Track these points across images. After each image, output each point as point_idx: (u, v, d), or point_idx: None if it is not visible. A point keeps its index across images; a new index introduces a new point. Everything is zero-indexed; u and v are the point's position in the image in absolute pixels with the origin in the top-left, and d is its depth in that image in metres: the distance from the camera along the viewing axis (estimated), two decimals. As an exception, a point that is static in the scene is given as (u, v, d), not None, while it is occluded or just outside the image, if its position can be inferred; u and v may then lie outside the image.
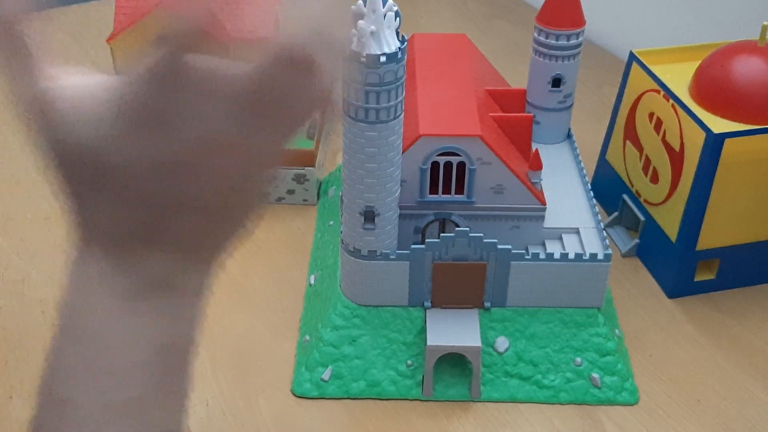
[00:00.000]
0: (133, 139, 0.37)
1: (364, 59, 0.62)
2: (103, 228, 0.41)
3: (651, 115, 0.86)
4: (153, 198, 0.39)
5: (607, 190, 0.94)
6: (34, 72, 0.40)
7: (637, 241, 0.89)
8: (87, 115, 0.39)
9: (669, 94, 0.82)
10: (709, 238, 0.81)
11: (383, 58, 0.62)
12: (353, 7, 0.63)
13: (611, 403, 0.74)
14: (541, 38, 0.84)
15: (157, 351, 0.41)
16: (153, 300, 0.42)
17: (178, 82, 0.38)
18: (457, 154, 0.72)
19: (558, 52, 0.84)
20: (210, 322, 0.82)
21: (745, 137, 0.77)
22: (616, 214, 0.93)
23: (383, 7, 0.62)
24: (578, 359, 0.75)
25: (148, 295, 0.41)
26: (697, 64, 0.84)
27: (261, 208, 0.43)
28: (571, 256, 0.73)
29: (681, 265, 0.83)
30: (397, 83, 0.64)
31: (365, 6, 0.62)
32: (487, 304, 0.75)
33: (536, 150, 0.75)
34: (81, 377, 0.40)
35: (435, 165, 0.73)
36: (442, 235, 0.72)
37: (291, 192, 0.96)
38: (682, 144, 0.81)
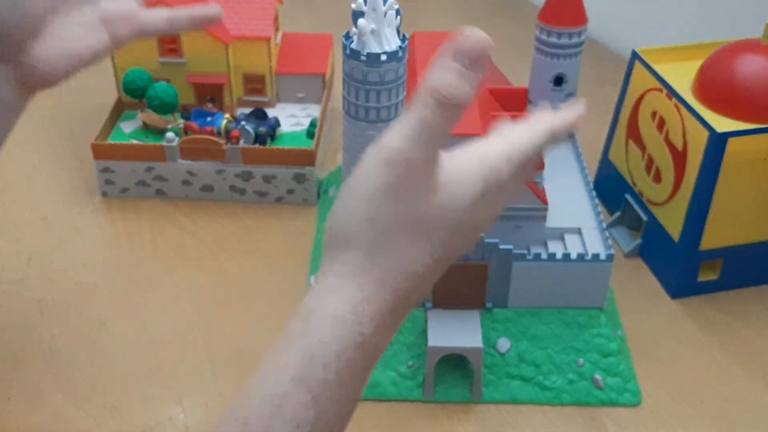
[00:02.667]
0: None
1: (364, 58, 0.62)
2: None
3: (654, 114, 0.85)
4: None
5: (610, 189, 0.94)
6: None
7: (639, 241, 0.89)
8: None
9: (672, 92, 0.82)
10: (712, 237, 0.81)
11: (384, 57, 0.62)
12: (353, 5, 0.62)
13: (613, 404, 0.74)
14: (543, 36, 0.84)
15: None
16: None
17: None
18: (459, 154, 0.71)
19: (560, 51, 0.83)
20: (210, 323, 0.83)
21: (749, 136, 0.77)
22: (618, 213, 0.92)
23: (384, 5, 0.61)
24: (580, 360, 0.75)
25: None
26: (700, 62, 0.84)
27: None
28: (573, 256, 0.73)
29: (684, 265, 0.83)
30: (398, 82, 0.64)
31: (366, 4, 0.62)
32: (489, 305, 0.75)
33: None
34: None
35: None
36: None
37: (291, 192, 0.96)
38: (685, 143, 0.80)
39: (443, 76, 0.43)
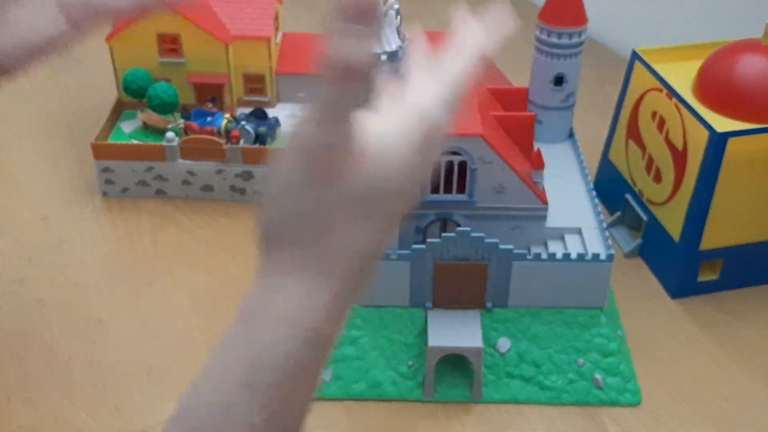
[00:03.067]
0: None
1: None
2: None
3: (654, 113, 0.85)
4: None
5: (610, 189, 0.94)
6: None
7: (639, 241, 0.89)
8: None
9: (672, 92, 0.82)
10: (713, 237, 0.81)
11: (384, 57, 0.62)
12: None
13: (614, 404, 0.74)
14: (543, 36, 0.84)
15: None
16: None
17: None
18: (459, 154, 0.71)
19: (560, 51, 0.83)
20: (210, 323, 0.82)
21: (749, 136, 0.77)
22: (618, 213, 0.92)
23: (384, 5, 0.61)
24: (580, 360, 0.75)
25: None
26: (700, 62, 0.84)
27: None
28: (574, 256, 0.73)
29: (684, 265, 0.83)
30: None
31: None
32: (489, 305, 0.75)
33: (538, 149, 0.75)
34: None
35: (436, 164, 0.72)
36: (443, 235, 0.72)
37: (291, 191, 0.96)
38: (685, 143, 0.80)
39: (335, 45, 0.41)
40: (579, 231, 0.77)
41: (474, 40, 0.48)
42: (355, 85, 0.41)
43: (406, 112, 0.45)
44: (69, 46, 0.60)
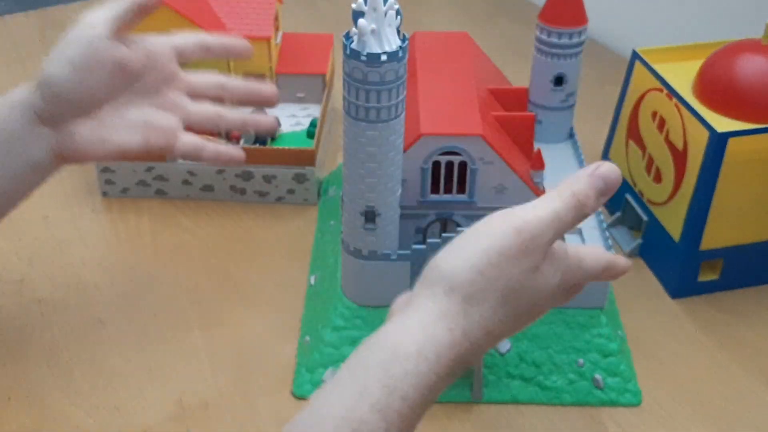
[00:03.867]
0: None
1: (364, 58, 0.62)
2: None
3: (654, 114, 0.85)
4: None
5: (610, 189, 0.94)
6: None
7: (639, 241, 0.89)
8: None
9: (672, 92, 0.82)
10: (713, 238, 0.81)
11: (384, 57, 0.62)
12: (353, 5, 0.62)
13: (614, 404, 0.74)
14: (543, 36, 0.84)
15: None
16: None
17: None
18: (459, 154, 0.71)
19: (560, 51, 0.83)
20: (210, 323, 0.83)
21: (749, 136, 0.77)
22: (618, 213, 0.92)
23: (384, 5, 0.61)
24: (581, 360, 0.74)
25: None
26: (700, 62, 0.84)
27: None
28: (574, 256, 0.72)
29: (684, 265, 0.83)
30: (398, 82, 0.64)
31: (366, 4, 0.61)
32: (489, 305, 0.75)
33: (538, 149, 0.75)
34: None
35: (436, 164, 0.72)
36: (443, 235, 0.72)
37: (291, 192, 0.96)
38: (685, 143, 0.80)
39: (586, 188, 0.50)
40: (579, 231, 0.77)
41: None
42: (577, 221, 0.51)
43: (595, 259, 0.55)
44: (133, 156, 0.70)
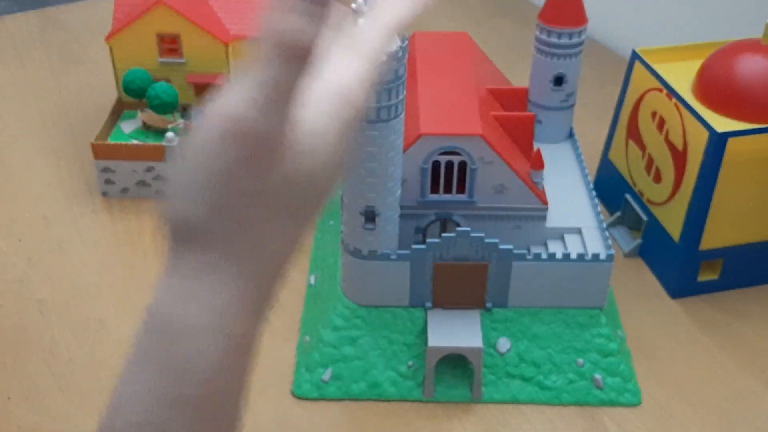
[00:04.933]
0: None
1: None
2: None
3: (654, 113, 0.85)
4: None
5: (610, 189, 0.94)
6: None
7: (639, 241, 0.89)
8: None
9: (672, 92, 0.82)
10: (713, 237, 0.81)
11: (384, 57, 0.62)
12: (353, 5, 0.62)
13: (614, 404, 0.74)
14: (543, 36, 0.84)
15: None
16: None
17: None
18: (459, 154, 0.71)
19: (560, 51, 0.83)
20: (209, 323, 0.82)
21: (749, 136, 0.77)
22: (618, 213, 0.92)
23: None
24: (580, 360, 0.74)
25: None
26: (700, 62, 0.84)
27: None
28: (574, 256, 0.73)
29: (684, 265, 0.83)
30: (398, 82, 0.64)
31: (365, 4, 0.61)
32: (489, 305, 0.75)
33: (538, 149, 0.75)
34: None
35: (436, 164, 0.72)
36: (443, 235, 0.72)
37: (291, 191, 0.96)
38: (685, 143, 0.80)
39: (284, 20, 0.34)
40: (579, 231, 0.77)
41: (391, 9, 0.44)
42: (301, 66, 0.35)
43: (331, 94, 0.40)
44: None
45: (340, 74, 0.41)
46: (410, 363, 0.74)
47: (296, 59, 0.35)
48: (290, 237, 0.41)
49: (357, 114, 0.41)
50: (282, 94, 0.36)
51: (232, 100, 0.36)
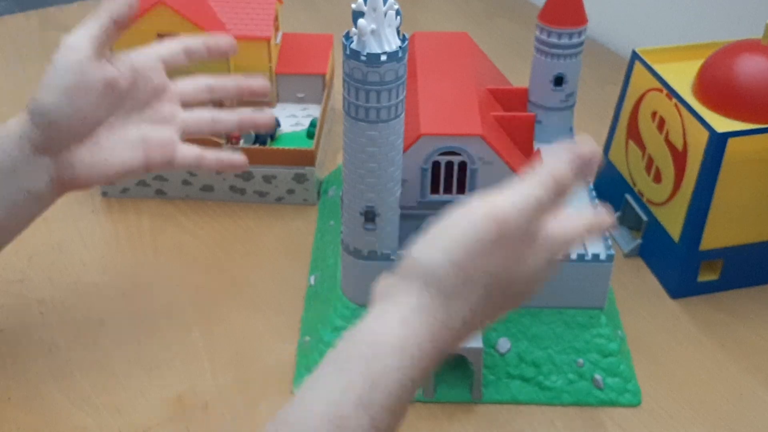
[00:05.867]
0: None
1: (364, 58, 0.62)
2: None
3: (654, 114, 0.85)
4: None
5: (610, 189, 0.94)
6: None
7: (639, 241, 0.89)
8: None
9: (672, 93, 0.82)
10: (713, 238, 0.81)
11: (384, 57, 0.62)
12: (353, 5, 0.62)
13: (614, 404, 0.74)
14: (543, 36, 0.83)
15: None
16: None
17: None
18: (459, 154, 0.71)
19: (560, 51, 0.83)
20: (210, 323, 0.83)
21: (749, 136, 0.77)
22: (618, 213, 0.92)
23: (384, 5, 0.61)
24: (580, 360, 0.75)
25: None
26: (700, 62, 0.84)
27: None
28: (573, 256, 0.73)
29: (684, 265, 0.83)
30: (398, 82, 0.64)
31: (366, 4, 0.61)
32: (489, 305, 0.75)
33: (538, 149, 0.75)
34: None
35: (436, 165, 0.72)
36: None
37: (291, 192, 0.96)
38: (685, 143, 0.80)
39: (564, 168, 0.50)
40: (579, 231, 0.77)
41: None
42: (557, 201, 0.50)
43: (570, 230, 0.53)
44: (136, 176, 0.71)
45: (573, 222, 0.54)
46: (410, 363, 0.75)
47: (556, 194, 0.50)
48: (482, 317, 0.50)
49: (558, 261, 0.53)
50: (540, 210, 0.49)
51: (506, 197, 0.49)
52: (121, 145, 0.67)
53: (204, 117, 0.73)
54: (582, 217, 0.55)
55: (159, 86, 0.70)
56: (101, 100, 0.65)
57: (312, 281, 0.84)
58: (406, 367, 0.47)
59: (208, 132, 0.74)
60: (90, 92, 0.64)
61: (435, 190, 0.74)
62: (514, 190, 0.49)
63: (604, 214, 0.56)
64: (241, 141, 0.94)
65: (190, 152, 0.71)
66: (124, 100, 0.68)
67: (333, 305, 0.76)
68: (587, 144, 0.51)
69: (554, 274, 0.53)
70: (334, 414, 0.45)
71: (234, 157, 0.75)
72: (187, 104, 0.73)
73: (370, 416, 0.45)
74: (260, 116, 0.76)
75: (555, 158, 0.51)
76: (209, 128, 0.73)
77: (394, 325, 0.48)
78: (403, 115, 0.66)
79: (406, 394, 0.47)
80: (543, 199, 0.49)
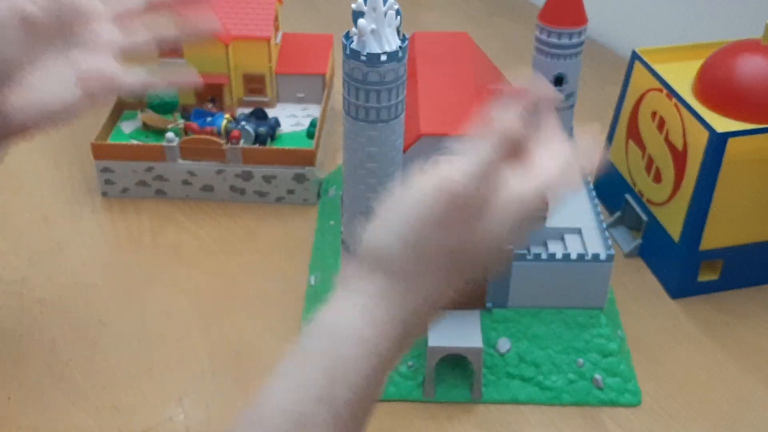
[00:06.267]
0: None
1: (364, 58, 0.62)
2: None
3: (654, 114, 0.85)
4: None
5: (610, 189, 0.94)
6: None
7: (639, 241, 0.89)
8: None
9: (672, 93, 0.82)
10: (713, 238, 0.81)
11: (384, 57, 0.62)
12: (353, 5, 0.62)
13: (614, 404, 0.74)
14: (543, 37, 0.83)
15: None
16: None
17: None
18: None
19: (560, 51, 0.83)
20: (210, 323, 0.83)
21: (749, 136, 0.77)
22: (618, 213, 0.92)
23: (384, 5, 0.61)
24: (580, 360, 0.75)
25: None
26: (700, 62, 0.84)
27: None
28: (574, 256, 0.73)
29: (684, 265, 0.83)
30: (398, 82, 0.64)
31: (366, 4, 0.61)
32: (489, 305, 0.75)
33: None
34: None
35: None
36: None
37: (291, 192, 0.96)
38: (685, 143, 0.80)
39: (505, 115, 0.46)
40: (579, 231, 0.77)
41: (582, 154, 0.52)
42: (509, 153, 0.46)
43: (534, 183, 0.47)
44: (81, 113, 0.61)
45: (546, 172, 0.48)
46: (410, 363, 0.75)
47: (509, 150, 0.45)
48: (449, 293, 0.48)
49: (534, 214, 0.48)
50: (493, 171, 0.45)
51: (452, 165, 0.45)
52: (55, 81, 0.61)
53: (144, 36, 0.64)
54: (552, 160, 0.49)
55: (89, 12, 0.63)
56: (21, 37, 0.59)
57: (312, 281, 0.84)
58: (370, 357, 0.44)
59: (146, 50, 0.65)
60: (5, 31, 0.58)
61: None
62: (463, 157, 0.45)
63: (577, 147, 0.51)
64: (241, 141, 0.94)
65: (136, 78, 0.63)
66: (49, 31, 0.60)
67: (333, 305, 0.76)
68: (586, 139, 0.50)
69: (536, 229, 0.50)
70: (295, 412, 0.43)
71: (185, 72, 0.66)
72: (124, 25, 0.64)
73: (332, 412, 0.43)
74: (200, 19, 0.65)
75: (504, 111, 0.46)
76: (149, 46, 0.64)
77: (354, 313, 0.45)
78: (403, 115, 0.66)
79: (372, 385, 0.45)
80: (495, 160, 0.45)
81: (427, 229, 0.45)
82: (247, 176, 0.95)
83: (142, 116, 0.99)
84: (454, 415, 0.73)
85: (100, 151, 0.95)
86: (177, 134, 0.95)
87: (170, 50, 0.97)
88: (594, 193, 0.81)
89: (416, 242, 0.45)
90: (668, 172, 0.83)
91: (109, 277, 0.87)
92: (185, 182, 0.96)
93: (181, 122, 0.97)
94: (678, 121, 0.81)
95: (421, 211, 0.45)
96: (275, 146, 0.95)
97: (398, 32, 0.64)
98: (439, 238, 0.45)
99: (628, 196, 0.91)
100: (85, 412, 0.73)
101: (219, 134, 0.95)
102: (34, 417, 0.72)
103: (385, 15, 0.61)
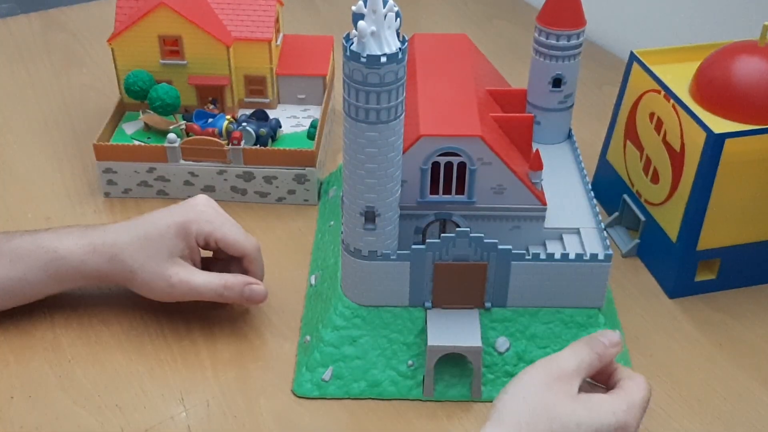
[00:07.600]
0: None
1: (364, 59, 0.62)
2: None
3: (651, 115, 0.86)
4: None
5: (608, 190, 0.94)
6: None
7: (637, 241, 0.89)
8: None
9: (669, 94, 0.82)
10: (710, 238, 0.81)
11: (384, 59, 0.62)
12: (353, 7, 0.63)
13: (612, 403, 0.74)
14: (542, 38, 0.84)
15: None
16: None
17: None
18: (458, 155, 0.72)
19: (558, 53, 0.84)
20: (210, 322, 0.83)
21: (746, 137, 0.77)
22: (616, 214, 0.93)
23: (383, 7, 0.62)
24: (579, 359, 0.75)
25: None
26: (697, 64, 0.84)
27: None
28: (572, 256, 0.73)
29: (681, 265, 0.83)
30: (398, 84, 0.64)
31: (366, 6, 0.62)
32: (488, 305, 0.75)
33: (537, 150, 0.75)
34: None
35: (435, 165, 0.73)
36: (442, 235, 0.72)
37: (291, 192, 0.96)
38: (682, 144, 0.81)
39: (609, 347, 0.68)
40: (577, 231, 0.78)
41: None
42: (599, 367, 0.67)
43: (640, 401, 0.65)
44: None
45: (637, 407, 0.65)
46: (410, 362, 0.75)
47: (602, 361, 0.67)
48: None
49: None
50: (590, 370, 0.66)
51: (566, 357, 0.66)
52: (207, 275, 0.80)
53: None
54: (639, 392, 0.66)
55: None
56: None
57: (312, 281, 0.85)
58: None
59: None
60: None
61: (434, 190, 0.74)
62: (574, 352, 0.66)
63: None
64: (243, 142, 0.95)
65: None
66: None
67: (333, 305, 0.77)
68: (614, 335, 0.68)
69: None
70: None
71: (255, 289, 0.80)
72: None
73: None
74: (257, 291, 0.80)
75: (600, 341, 0.68)
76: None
77: None
78: (402, 116, 0.67)
79: None
80: (585, 360, 0.65)
81: (536, 388, 0.63)
82: (248, 177, 0.96)
83: (143, 117, 1.00)
84: (454, 414, 0.74)
85: (102, 152, 0.95)
86: (179, 135, 0.95)
87: (171, 51, 0.98)
88: (592, 193, 0.81)
89: (528, 398, 0.62)
90: (666, 173, 0.84)
91: (111, 277, 0.87)
92: (187, 183, 0.96)
93: (182, 123, 0.97)
94: (675, 122, 0.81)
95: (532, 377, 0.64)
96: (276, 147, 0.96)
97: (398, 34, 0.64)
98: (544, 396, 0.62)
99: (626, 197, 0.91)
100: (88, 411, 0.73)
101: (220, 135, 0.95)
102: (37, 416, 0.73)
103: (385, 17, 0.62)
